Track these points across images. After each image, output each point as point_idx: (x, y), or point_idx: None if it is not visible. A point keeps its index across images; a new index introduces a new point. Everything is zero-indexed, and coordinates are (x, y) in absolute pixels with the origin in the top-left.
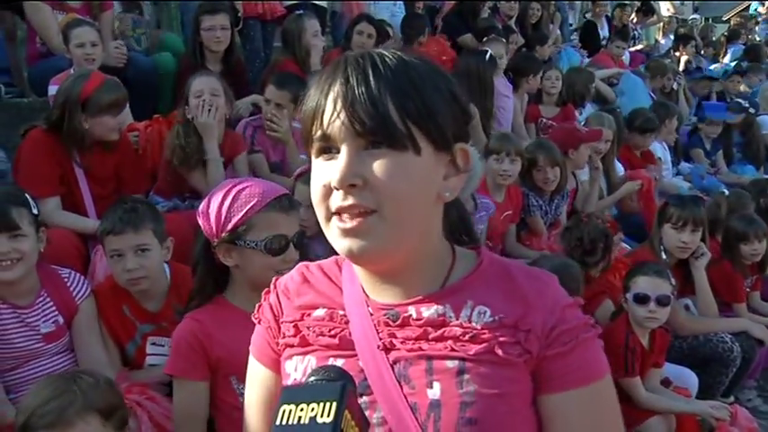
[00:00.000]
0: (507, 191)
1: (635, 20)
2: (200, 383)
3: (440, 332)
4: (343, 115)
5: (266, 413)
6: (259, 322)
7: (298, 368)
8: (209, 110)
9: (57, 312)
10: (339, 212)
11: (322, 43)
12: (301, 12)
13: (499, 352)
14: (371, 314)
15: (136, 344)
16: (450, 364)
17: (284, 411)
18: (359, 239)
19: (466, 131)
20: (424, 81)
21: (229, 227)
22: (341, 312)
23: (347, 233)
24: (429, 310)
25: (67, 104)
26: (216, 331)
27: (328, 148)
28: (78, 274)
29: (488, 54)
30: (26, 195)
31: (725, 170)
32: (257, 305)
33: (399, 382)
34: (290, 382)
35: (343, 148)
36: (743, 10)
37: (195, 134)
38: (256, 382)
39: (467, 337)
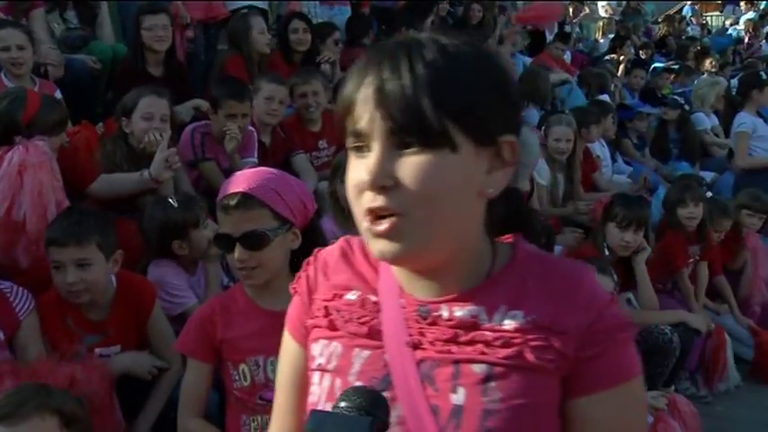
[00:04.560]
0: None
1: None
2: (204, 365)
3: (471, 335)
4: (375, 112)
5: (291, 392)
6: (296, 293)
7: (323, 353)
8: (160, 136)
9: None
10: (371, 212)
11: (268, 40)
12: (246, 11)
13: (529, 357)
14: (404, 308)
15: (80, 356)
16: (478, 369)
17: None
18: (390, 242)
19: (514, 122)
20: (466, 71)
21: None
22: (373, 299)
23: (379, 236)
24: (462, 311)
25: (9, 131)
26: (223, 317)
27: (361, 146)
28: (21, 288)
29: None
30: None
31: (659, 166)
32: (297, 276)
33: (423, 383)
34: (314, 365)
35: (375, 147)
36: (676, 12)
37: (131, 153)
38: (286, 359)
39: (498, 342)
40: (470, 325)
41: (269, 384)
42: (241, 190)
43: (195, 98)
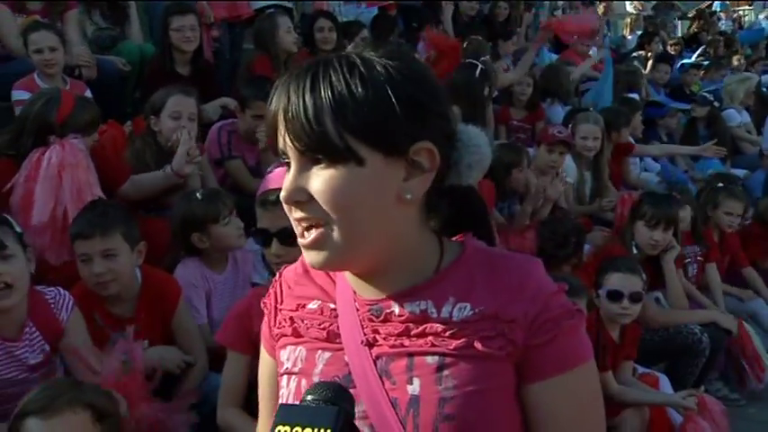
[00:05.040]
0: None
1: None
2: (242, 356)
3: (421, 328)
4: (285, 133)
5: (271, 405)
6: (265, 307)
7: (290, 357)
8: (188, 134)
9: (44, 341)
10: (297, 222)
11: (294, 39)
12: (272, 11)
13: (478, 346)
14: (357, 309)
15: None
16: (431, 360)
17: None
18: (317, 252)
19: (435, 130)
20: (371, 88)
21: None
22: (332, 306)
23: (307, 248)
24: (411, 306)
25: (43, 131)
26: (259, 310)
27: (288, 162)
28: (63, 293)
29: (479, 68)
30: (4, 215)
31: (689, 164)
32: (267, 293)
33: (381, 378)
34: (282, 370)
35: (292, 164)
36: (707, 7)
37: (160, 152)
38: (263, 372)
39: (447, 333)
40: (420, 318)
41: None
42: (279, 187)
43: (222, 96)
